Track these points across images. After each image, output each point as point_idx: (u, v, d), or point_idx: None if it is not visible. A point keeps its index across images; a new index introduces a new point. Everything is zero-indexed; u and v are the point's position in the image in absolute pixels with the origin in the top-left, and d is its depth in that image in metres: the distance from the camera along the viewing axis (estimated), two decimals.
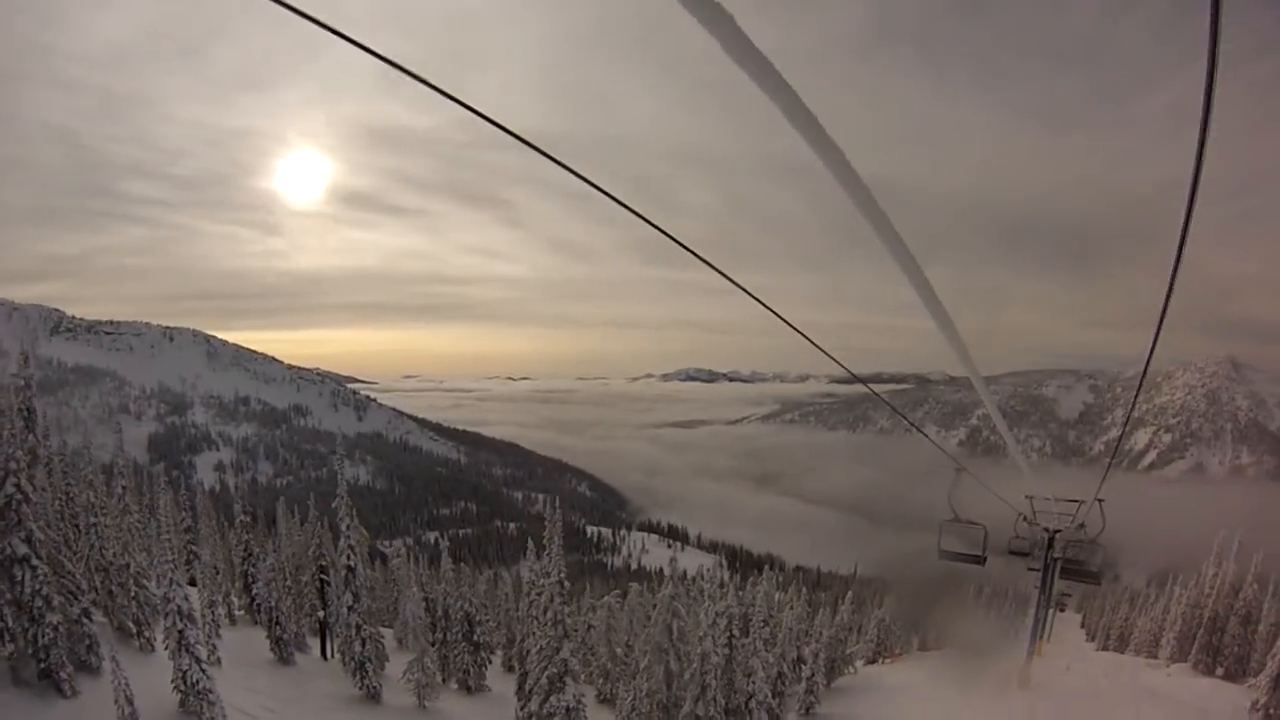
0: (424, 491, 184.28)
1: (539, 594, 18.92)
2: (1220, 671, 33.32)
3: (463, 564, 35.45)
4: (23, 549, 15.90)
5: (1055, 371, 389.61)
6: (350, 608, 22.79)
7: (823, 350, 5.44)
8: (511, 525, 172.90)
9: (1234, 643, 33.43)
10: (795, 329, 4.99)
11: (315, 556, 32.06)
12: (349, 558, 23.23)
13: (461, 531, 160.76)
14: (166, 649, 16.75)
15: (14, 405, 17.37)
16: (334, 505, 24.08)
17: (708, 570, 34.21)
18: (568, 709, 17.61)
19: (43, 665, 15.92)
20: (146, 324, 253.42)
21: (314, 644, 30.01)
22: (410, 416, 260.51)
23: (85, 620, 17.54)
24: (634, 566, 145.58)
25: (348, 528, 23.48)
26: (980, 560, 16.46)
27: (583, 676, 29.69)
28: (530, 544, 23.13)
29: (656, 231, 3.57)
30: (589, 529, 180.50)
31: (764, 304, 4.55)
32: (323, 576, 30.32)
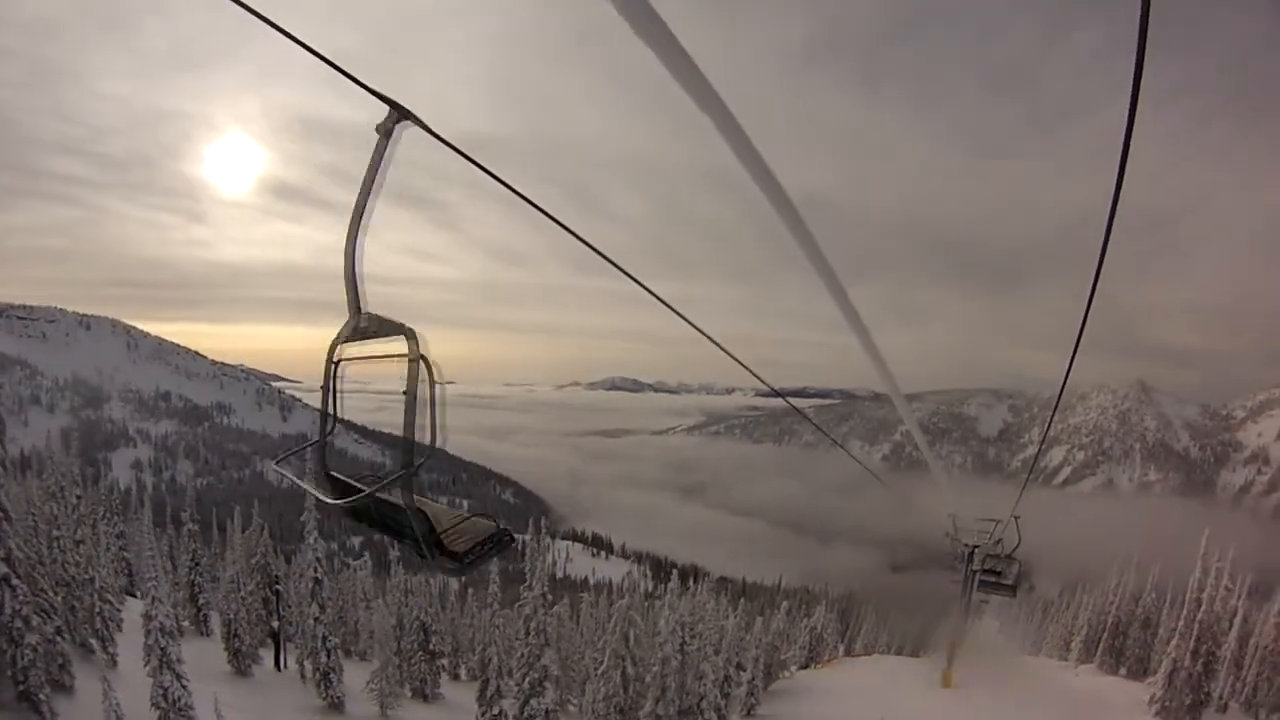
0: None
1: (522, 605, 19.88)
2: (1123, 671, 36.41)
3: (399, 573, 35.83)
4: (2, 569, 15.95)
5: (977, 390, 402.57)
6: (316, 619, 23.21)
7: (742, 364, 5.35)
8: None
9: (1135, 645, 36.63)
10: (716, 344, 4.87)
11: (261, 566, 32.01)
12: (316, 570, 23.63)
13: (385, 537, 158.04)
14: (147, 665, 16.85)
15: None
16: (302, 518, 24.34)
17: (632, 580, 35.48)
18: (547, 711, 18.69)
19: (21, 687, 15.86)
20: (61, 310, 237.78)
21: (265, 655, 29.99)
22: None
23: (59, 639, 17.56)
24: (559, 575, 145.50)
25: (315, 540, 23.84)
26: (956, 569, 18.43)
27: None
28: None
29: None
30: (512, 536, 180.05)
31: (683, 317, 4.39)
32: (276, 587, 30.40)
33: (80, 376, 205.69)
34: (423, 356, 3.46)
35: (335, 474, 4.48)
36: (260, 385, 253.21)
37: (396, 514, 4.00)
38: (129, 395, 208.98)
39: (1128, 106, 2.53)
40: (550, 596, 19.57)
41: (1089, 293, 4.25)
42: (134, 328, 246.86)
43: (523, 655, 19.18)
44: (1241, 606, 30.23)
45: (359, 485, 4.24)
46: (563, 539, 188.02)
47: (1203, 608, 27.43)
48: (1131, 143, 2.75)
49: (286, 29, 2.35)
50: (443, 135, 2.81)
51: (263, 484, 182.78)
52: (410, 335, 3.49)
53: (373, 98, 2.68)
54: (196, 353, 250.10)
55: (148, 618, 16.77)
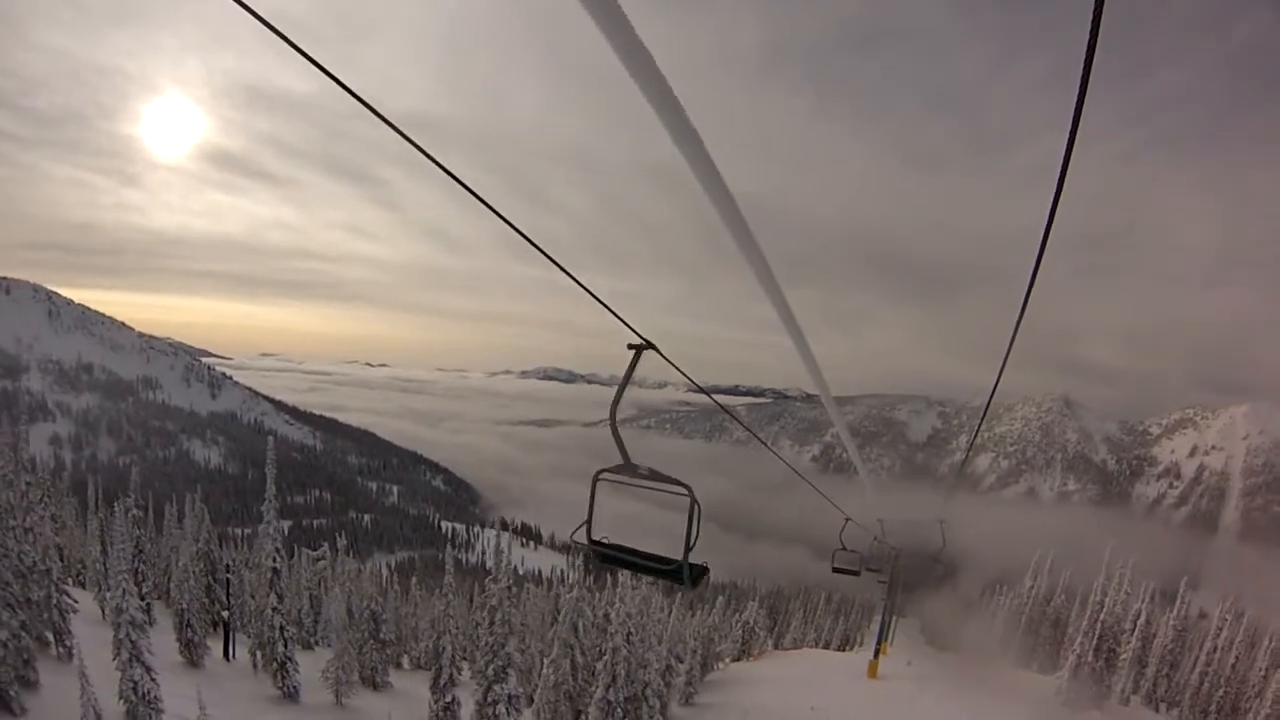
0: (278, 478, 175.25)
1: (487, 596, 20.81)
2: (1034, 666, 39.30)
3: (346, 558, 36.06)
4: None
5: (908, 396, 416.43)
6: (275, 609, 23.63)
7: (670, 362, 5.31)
8: (366, 517, 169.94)
9: (1045, 643, 39.62)
10: (644, 339, 4.86)
11: (204, 553, 31.94)
12: (274, 559, 24.02)
13: (316, 521, 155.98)
14: (116, 658, 17.07)
15: None
16: (263, 510, 24.63)
17: (566, 572, 36.56)
18: (510, 697, 19.78)
19: None
20: None
21: (213, 645, 29.98)
22: (266, 398, 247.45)
23: (23, 633, 17.54)
24: (488, 564, 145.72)
25: (274, 530, 24.22)
26: (858, 573, 20.01)
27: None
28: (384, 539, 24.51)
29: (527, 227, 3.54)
30: (443, 524, 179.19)
31: (611, 310, 4.50)
32: (228, 574, 30.51)
33: None
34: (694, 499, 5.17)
35: (601, 541, 6.04)
36: (189, 360, 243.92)
37: (646, 558, 5.76)
38: (49, 366, 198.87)
39: (1068, 132, 2.59)
40: (513, 589, 20.53)
41: (1020, 308, 4.44)
42: (56, 294, 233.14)
43: (487, 644, 20.21)
44: (1145, 609, 33.09)
45: (630, 554, 5.91)
46: (491, 528, 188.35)
47: (1104, 609, 30.10)
48: (1069, 169, 2.82)
49: None
50: (385, 115, 2.77)
51: (189, 464, 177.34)
52: (689, 489, 5.29)
53: (315, 69, 2.56)
54: (122, 323, 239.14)
55: (118, 610, 17.04)
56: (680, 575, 5.47)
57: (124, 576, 17.16)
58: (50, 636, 21.15)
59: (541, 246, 3.66)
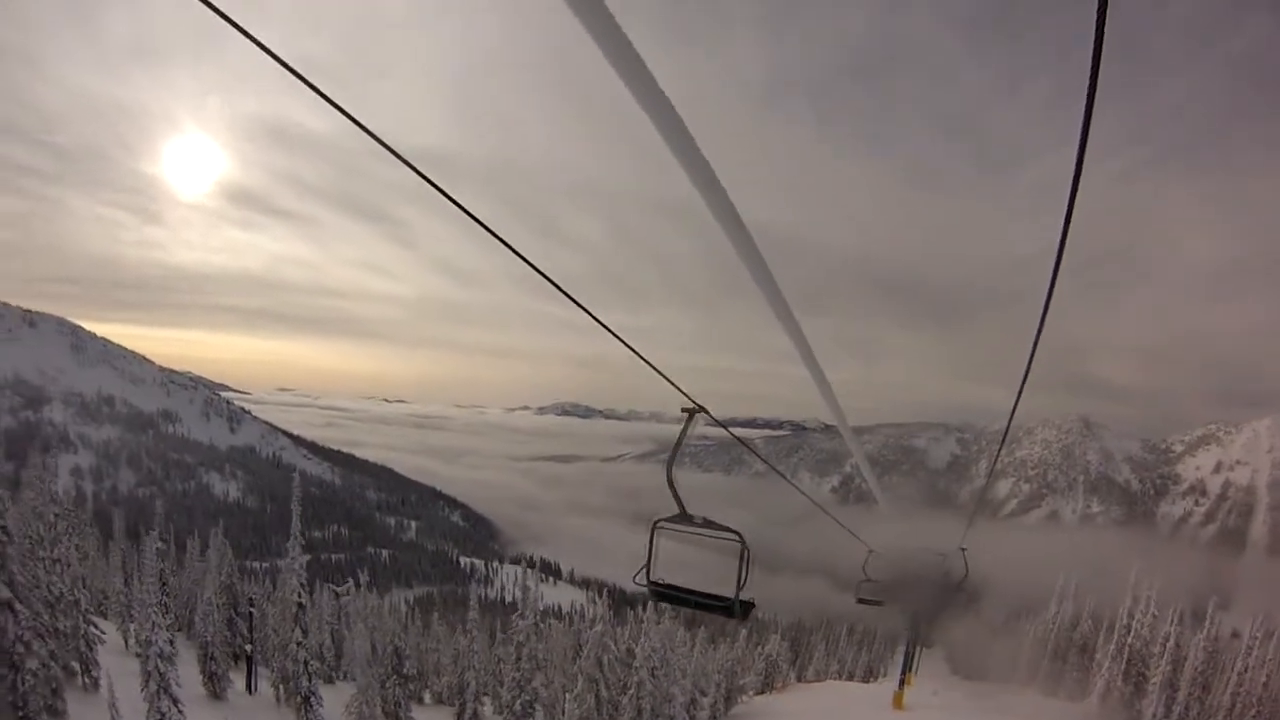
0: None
1: (514, 633, 20.81)
2: (1063, 694, 38.49)
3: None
4: (5, 593, 16.18)
5: (926, 424, 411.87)
6: (299, 643, 23.70)
7: (686, 395, 5.51)
8: (384, 552, 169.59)
9: (1073, 669, 38.80)
10: (660, 374, 4.91)
11: (227, 585, 32.12)
12: (299, 595, 24.14)
13: (334, 556, 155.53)
14: (144, 689, 17.19)
15: None
16: (288, 546, 24.82)
17: (588, 607, 36.38)
18: None
19: (21, 714, 15.90)
20: (5, 305, 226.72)
21: (235, 678, 30.07)
22: (285, 432, 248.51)
23: (52, 663, 17.71)
24: (508, 599, 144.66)
25: (300, 566, 24.37)
26: (882, 604, 20.05)
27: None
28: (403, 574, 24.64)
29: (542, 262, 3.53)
30: (461, 559, 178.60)
31: (627, 344, 4.51)
32: (250, 608, 30.66)
33: (21, 375, 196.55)
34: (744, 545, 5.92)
35: (659, 581, 6.69)
36: (208, 394, 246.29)
37: (702, 596, 6.59)
38: (72, 398, 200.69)
39: (1076, 150, 2.58)
40: (540, 625, 20.50)
41: (1036, 331, 4.34)
42: (81, 328, 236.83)
43: (513, 679, 20.15)
44: (1174, 631, 32.47)
45: (687, 593, 6.59)
46: (510, 563, 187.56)
47: (1131, 633, 29.51)
48: (1079, 188, 2.81)
49: (253, 33, 2.35)
50: (401, 153, 2.81)
51: (208, 497, 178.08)
52: (740, 536, 6.11)
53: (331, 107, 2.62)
54: (144, 357, 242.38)
55: (147, 642, 17.21)
56: (732, 610, 6.29)
57: (153, 610, 17.34)
58: (77, 666, 21.34)
59: (557, 281, 3.69)
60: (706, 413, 5.60)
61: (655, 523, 6.38)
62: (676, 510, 6.19)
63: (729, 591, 6.18)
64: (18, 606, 16.33)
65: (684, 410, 5.59)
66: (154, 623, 17.17)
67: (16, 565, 16.70)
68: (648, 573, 6.64)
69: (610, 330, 4.38)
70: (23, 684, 16.11)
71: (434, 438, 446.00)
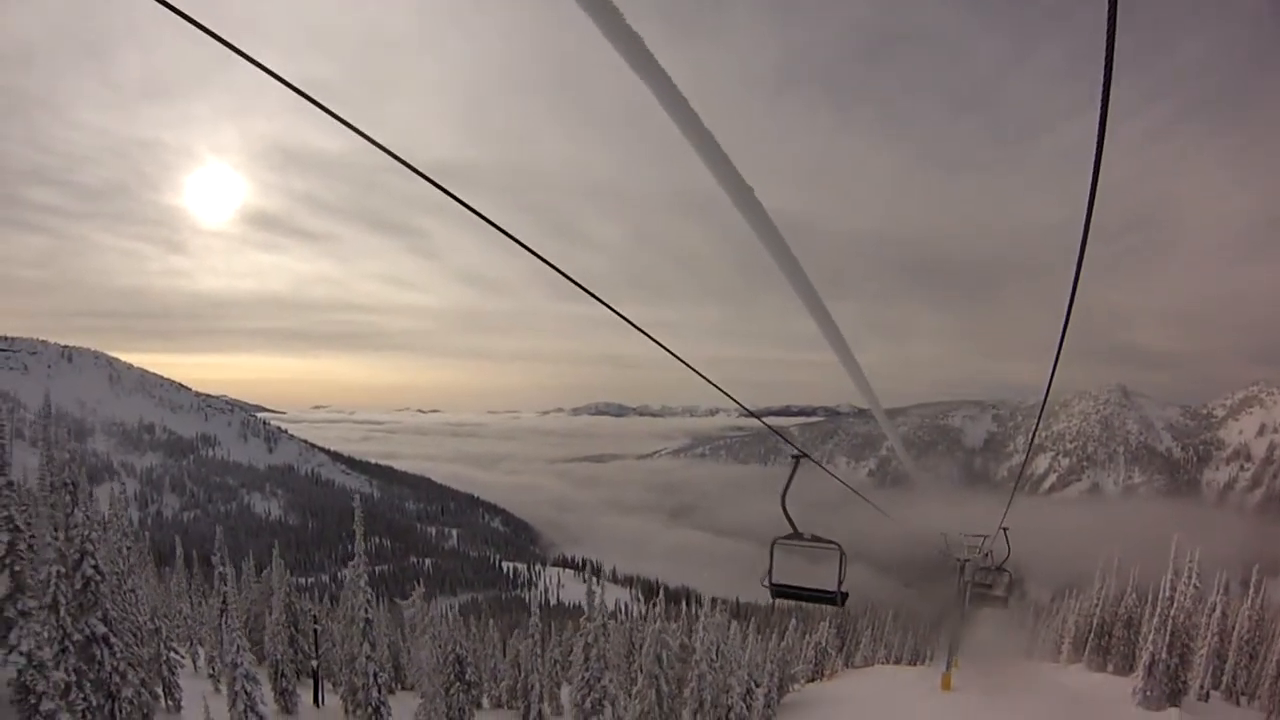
0: (338, 527, 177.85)
1: (583, 634, 21.71)
2: (1110, 668, 38.64)
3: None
4: (101, 628, 17.30)
5: (961, 402, 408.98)
6: (369, 657, 24.67)
7: (717, 386, 5.46)
8: (427, 561, 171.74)
9: (1119, 643, 38.89)
10: (690, 367, 4.90)
11: (285, 603, 33.31)
12: (366, 610, 25.11)
13: (378, 568, 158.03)
14: (232, 709, 18.25)
15: (59, 476, 18.36)
16: (353, 565, 25.83)
17: (624, 603, 37.04)
18: None
19: None
20: (43, 342, 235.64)
21: (302, 693, 31.18)
22: (322, 449, 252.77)
23: (143, 690, 18.84)
24: (553, 601, 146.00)
25: (365, 583, 25.34)
26: (928, 585, 20.63)
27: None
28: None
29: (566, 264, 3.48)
30: (503, 564, 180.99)
31: (657, 341, 4.48)
32: (315, 625, 31.83)
33: (63, 409, 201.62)
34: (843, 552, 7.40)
35: (778, 583, 8.35)
36: (245, 416, 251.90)
37: (812, 592, 8.17)
38: (113, 428, 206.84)
39: (1098, 114, 2.51)
40: (608, 625, 21.39)
41: (1068, 301, 4.27)
42: (116, 359, 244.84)
43: (583, 679, 21.07)
44: (1220, 601, 32.49)
45: (800, 589, 8.32)
46: (553, 565, 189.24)
47: (1175, 605, 29.59)
48: (1103, 154, 2.74)
49: (262, 61, 2.35)
50: (416, 165, 2.82)
51: (251, 517, 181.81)
52: (839, 545, 7.53)
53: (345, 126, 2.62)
54: (179, 384, 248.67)
55: (232, 665, 18.24)
56: (836, 600, 7.89)
57: (237, 634, 18.36)
58: (160, 691, 22.44)
59: (580, 282, 3.73)
60: (809, 457, 7.50)
61: (775, 540, 7.90)
62: (789, 530, 7.80)
63: (830, 587, 7.66)
64: (113, 640, 17.43)
65: (792, 457, 7.50)
66: (238, 645, 18.17)
67: (109, 601, 17.75)
68: (770, 578, 8.17)
69: (647, 333, 4.39)
70: (120, 713, 17.21)
71: (470, 445, 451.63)
